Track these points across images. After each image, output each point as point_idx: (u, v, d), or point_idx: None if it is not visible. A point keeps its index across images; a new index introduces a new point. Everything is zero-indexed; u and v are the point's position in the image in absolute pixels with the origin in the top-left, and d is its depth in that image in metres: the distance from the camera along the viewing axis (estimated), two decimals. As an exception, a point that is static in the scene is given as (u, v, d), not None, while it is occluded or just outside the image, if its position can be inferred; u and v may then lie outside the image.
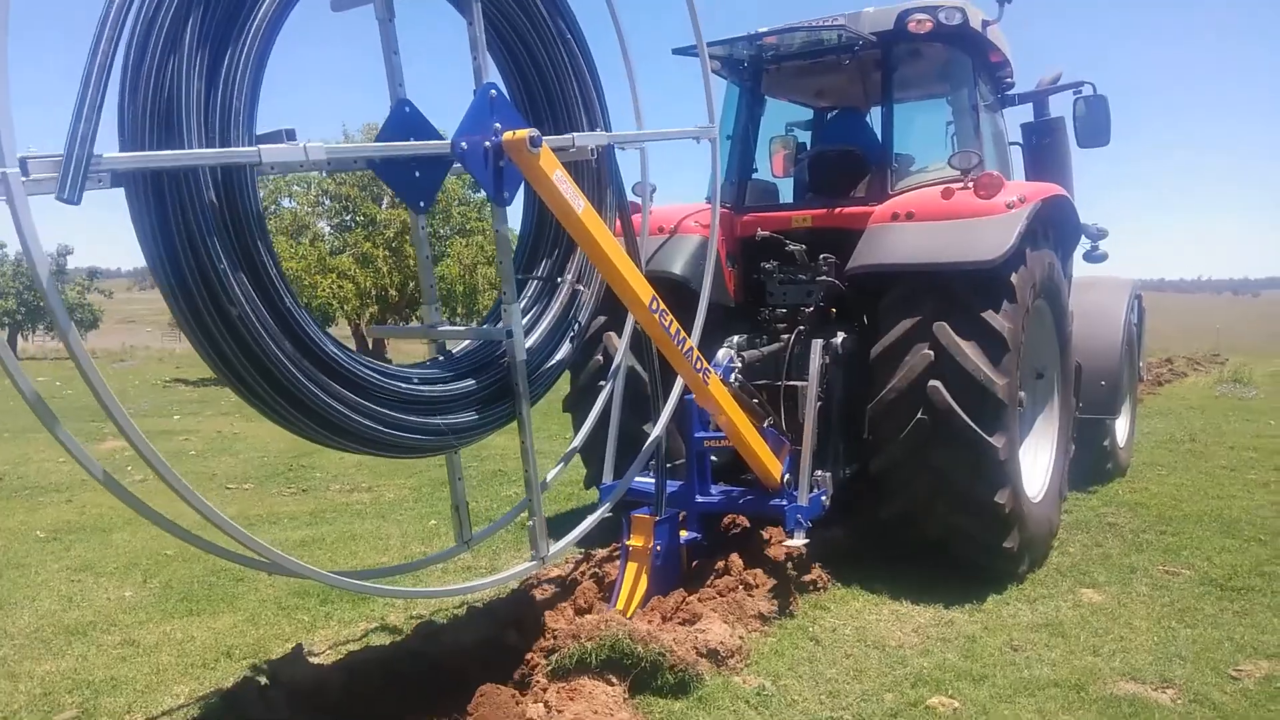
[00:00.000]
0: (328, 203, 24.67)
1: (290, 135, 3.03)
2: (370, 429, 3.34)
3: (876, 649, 4.71)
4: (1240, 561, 6.00)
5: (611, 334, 6.21)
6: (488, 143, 3.58)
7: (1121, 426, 8.89)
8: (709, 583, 5.17)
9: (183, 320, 2.91)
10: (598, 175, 4.42)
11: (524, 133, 3.49)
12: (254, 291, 2.95)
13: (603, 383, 5.48)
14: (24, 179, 2.36)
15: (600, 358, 6.40)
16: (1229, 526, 6.88)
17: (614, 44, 4.80)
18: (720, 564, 5.35)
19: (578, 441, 5.13)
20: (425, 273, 4.16)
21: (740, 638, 4.59)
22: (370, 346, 23.32)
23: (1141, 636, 4.82)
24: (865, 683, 4.31)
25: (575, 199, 3.79)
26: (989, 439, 5.21)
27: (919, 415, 5.32)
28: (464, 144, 3.51)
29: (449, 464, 4.19)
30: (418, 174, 3.57)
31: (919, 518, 5.60)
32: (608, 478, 5.59)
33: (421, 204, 3.76)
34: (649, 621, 4.50)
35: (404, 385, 3.56)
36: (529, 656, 4.13)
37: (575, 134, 4.17)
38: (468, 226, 25.25)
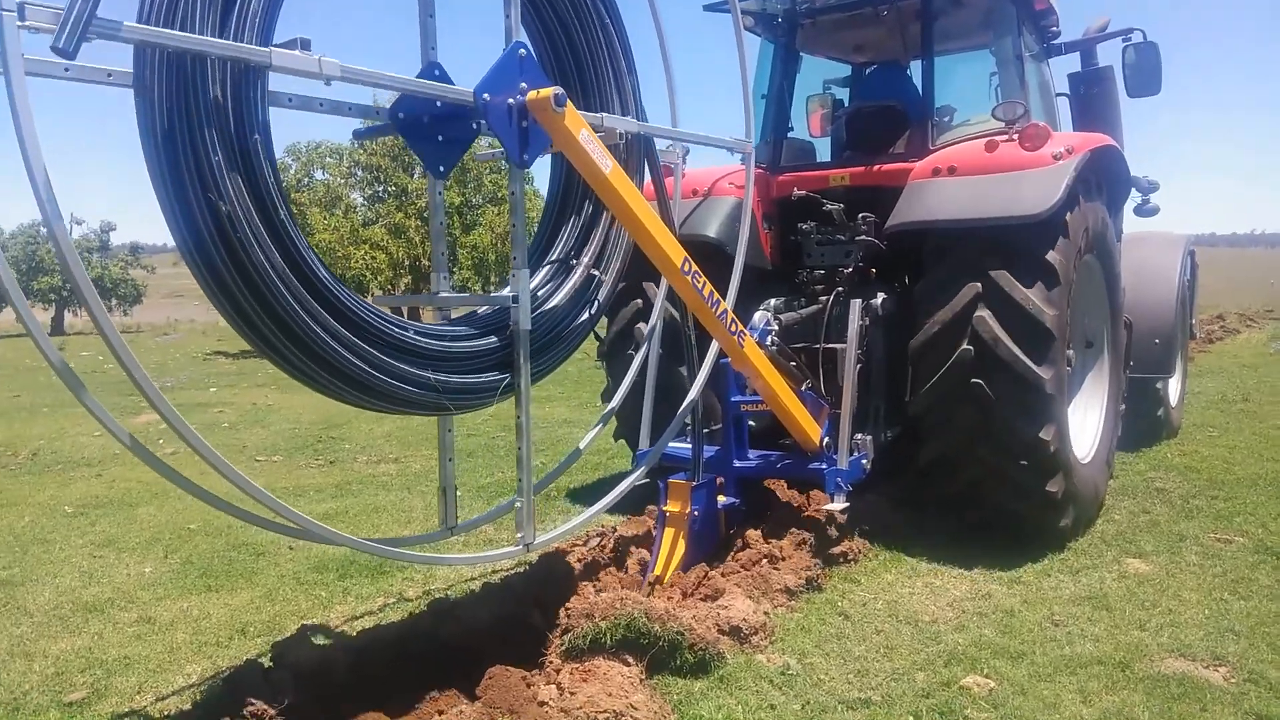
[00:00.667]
0: (360, 174, 24.58)
1: (305, 45, 2.90)
2: (354, 366, 3.16)
3: (909, 624, 4.50)
4: (1298, 528, 5.70)
5: (642, 325, 6.08)
6: (512, 100, 3.49)
7: (1174, 386, 8.64)
8: (732, 555, 4.98)
9: (169, 211, 2.78)
10: (624, 164, 4.18)
11: (548, 91, 3.40)
12: (246, 192, 2.82)
13: (641, 324, 5.47)
14: (19, 23, 2.28)
15: (640, 301, 6.29)
16: (1285, 491, 6.56)
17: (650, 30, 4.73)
18: (741, 538, 5.17)
19: (615, 402, 5.07)
20: (438, 240, 4.05)
21: (765, 614, 4.40)
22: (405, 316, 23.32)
23: (1191, 610, 4.56)
24: (896, 660, 4.10)
25: (603, 159, 3.69)
26: (1036, 369, 5.05)
27: (964, 346, 5.18)
28: (487, 95, 3.40)
29: (440, 442, 4.05)
30: (440, 138, 3.49)
31: (958, 461, 5.42)
32: (644, 444, 5.55)
33: (441, 169, 3.66)
34: (669, 598, 4.34)
35: (398, 331, 3.39)
36: (545, 636, 3.98)
37: (605, 115, 4.02)
38: (499, 195, 25.05)
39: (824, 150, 7.44)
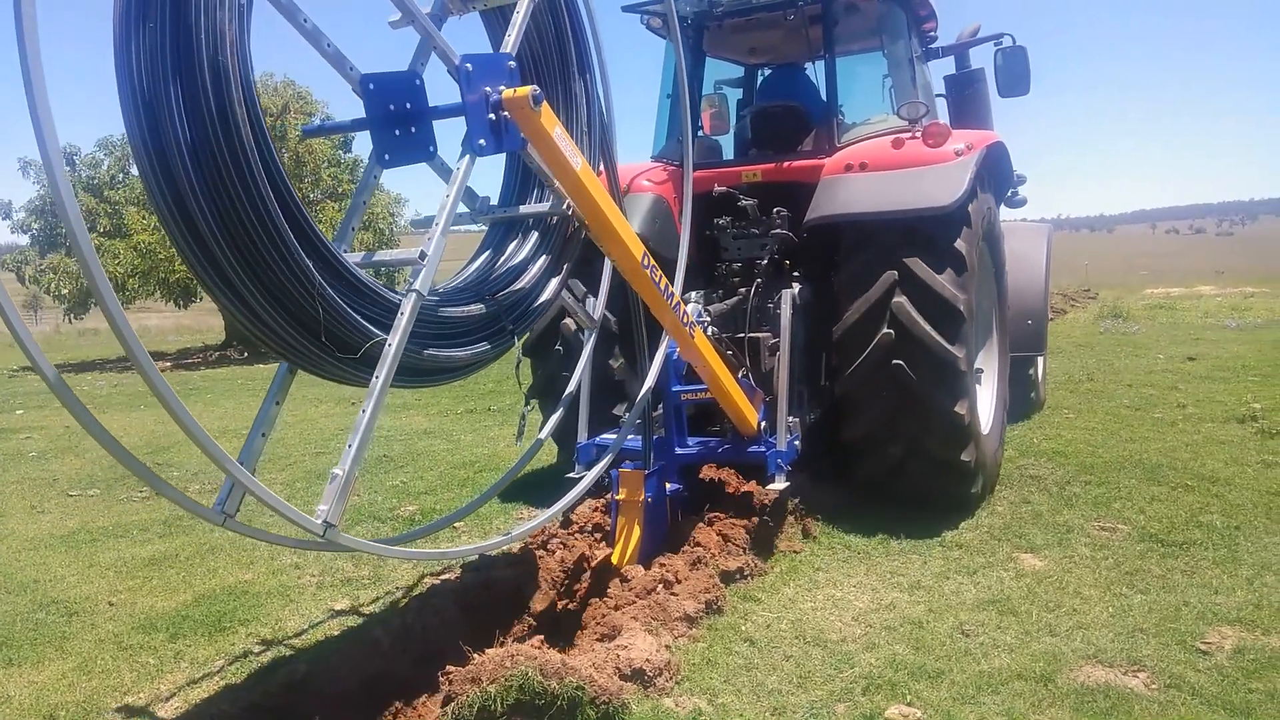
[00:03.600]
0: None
1: None
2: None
3: (818, 646, 4.20)
4: (1174, 512, 5.76)
5: (568, 321, 6.21)
6: (491, 115, 3.42)
7: (1040, 362, 9.25)
8: (625, 585, 4.55)
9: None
10: (570, 24, 4.20)
11: (525, 90, 3.41)
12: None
13: (566, 373, 5.42)
14: None
15: (560, 348, 6.42)
16: (1152, 472, 6.68)
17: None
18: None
19: (572, 387, 4.92)
20: (354, 213, 3.73)
21: (668, 648, 4.00)
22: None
23: (1095, 608, 4.45)
24: (812, 691, 3.78)
25: (573, 157, 3.73)
26: (951, 348, 5.41)
27: (884, 330, 5.51)
28: (482, 140, 3.38)
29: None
30: (397, 132, 3.34)
31: (882, 437, 5.74)
32: (582, 437, 5.66)
33: (387, 158, 3.41)
34: (560, 643, 3.86)
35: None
36: (419, 703, 3.44)
37: None
38: (339, 190, 23.78)
39: (727, 148, 7.66)
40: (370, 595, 5.12)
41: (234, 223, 2.62)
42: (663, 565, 4.72)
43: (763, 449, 5.55)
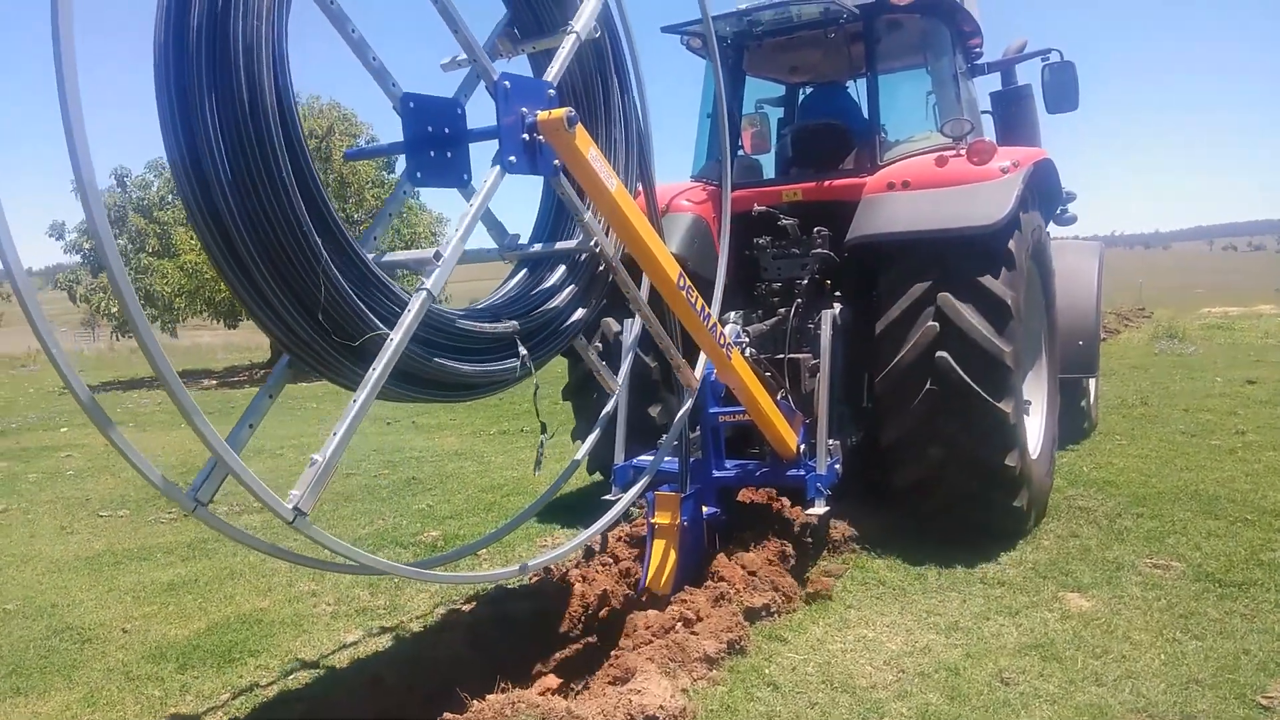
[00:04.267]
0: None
1: None
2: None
3: (846, 693, 3.95)
4: (1233, 549, 5.41)
5: (610, 319, 6.24)
6: (525, 135, 3.42)
7: (1092, 384, 9.04)
8: (644, 623, 4.35)
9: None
10: (612, 53, 4.19)
11: (560, 112, 3.39)
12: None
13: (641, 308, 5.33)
14: None
15: (599, 344, 6.32)
16: (1209, 505, 6.32)
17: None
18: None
19: (610, 407, 4.68)
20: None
21: (685, 692, 3.80)
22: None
23: (1146, 655, 4.15)
24: (837, 743, 3.55)
25: (609, 178, 3.70)
26: (998, 405, 5.25)
27: (929, 323, 5.37)
28: (512, 158, 3.37)
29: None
30: (432, 154, 3.30)
31: (933, 485, 5.58)
32: (619, 458, 5.53)
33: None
34: (567, 690, 3.67)
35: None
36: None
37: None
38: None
39: (767, 167, 7.64)
40: (384, 625, 4.98)
41: (245, 184, 2.60)
42: (684, 602, 4.52)
43: (802, 472, 5.43)
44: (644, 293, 4.74)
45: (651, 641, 4.14)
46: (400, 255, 3.64)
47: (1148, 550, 5.52)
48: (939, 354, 5.31)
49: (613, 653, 3.99)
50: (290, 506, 2.68)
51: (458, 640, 4.10)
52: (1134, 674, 3.98)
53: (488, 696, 3.32)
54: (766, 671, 4.15)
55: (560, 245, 4.04)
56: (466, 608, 4.92)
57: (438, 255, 3.14)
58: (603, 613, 4.74)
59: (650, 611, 4.41)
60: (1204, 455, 7.83)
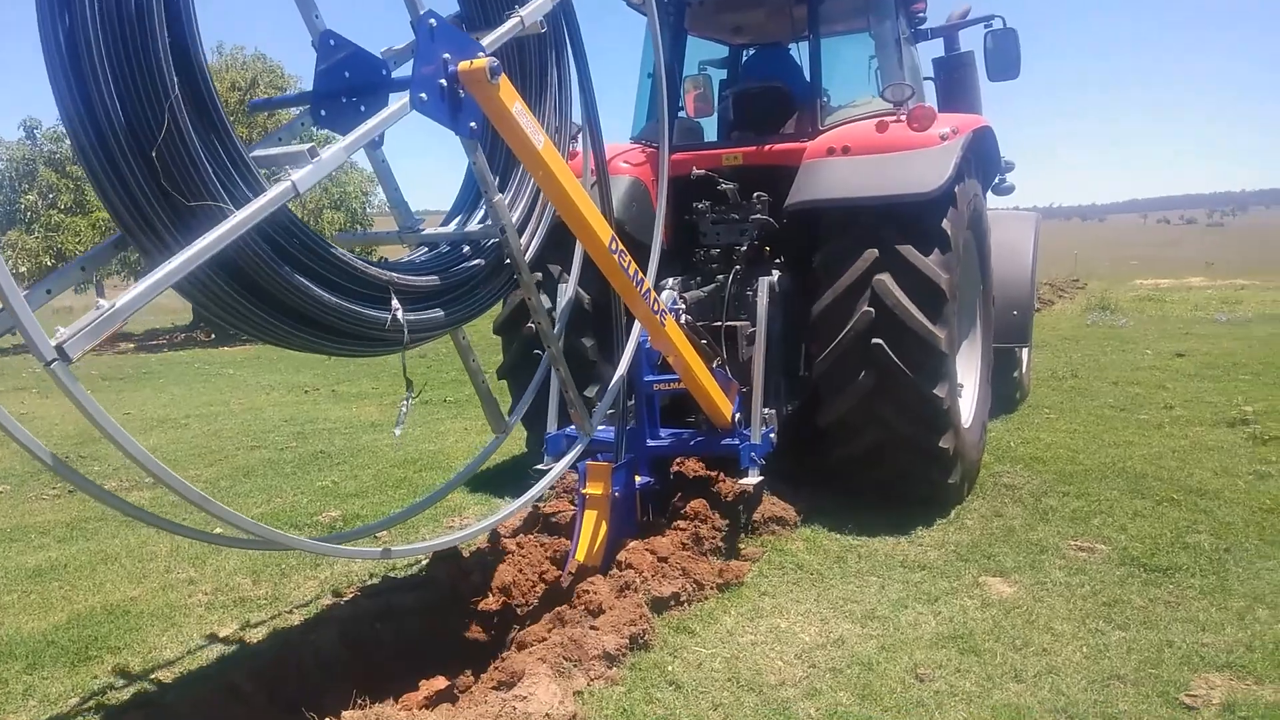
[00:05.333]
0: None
1: None
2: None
3: (752, 691, 3.68)
4: (1158, 531, 5.26)
5: (543, 296, 5.65)
6: (442, 80, 3.19)
7: (1025, 354, 9.07)
8: (539, 616, 4.03)
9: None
10: (555, 47, 4.09)
11: (482, 63, 3.17)
12: None
13: (537, 352, 5.41)
14: None
15: (533, 326, 5.78)
16: (1136, 483, 6.19)
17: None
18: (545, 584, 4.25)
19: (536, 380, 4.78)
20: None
21: (578, 696, 3.49)
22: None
23: (1068, 647, 3.94)
24: (737, 751, 3.27)
25: (535, 134, 3.53)
26: (932, 328, 5.24)
27: (864, 308, 5.34)
28: (423, 95, 3.10)
29: None
30: (363, 109, 3.09)
31: (870, 463, 5.62)
32: (551, 427, 5.45)
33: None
34: (452, 695, 3.34)
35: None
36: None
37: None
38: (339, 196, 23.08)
39: (709, 130, 7.44)
40: (261, 618, 4.58)
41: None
42: (585, 593, 4.20)
43: (737, 442, 5.39)
44: (577, 258, 4.79)
45: (546, 639, 3.83)
46: (273, 149, 3.14)
47: (1072, 532, 5.35)
48: (874, 340, 5.29)
49: (501, 653, 3.66)
50: (52, 344, 2.20)
51: (331, 638, 3.73)
52: (1054, 669, 3.76)
53: (344, 713, 2.97)
54: (670, 669, 3.86)
55: (470, 229, 3.81)
56: (349, 597, 4.55)
57: (313, 152, 2.79)
58: (501, 604, 4.41)
59: (551, 601, 4.09)
60: (1132, 431, 7.74)
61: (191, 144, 2.49)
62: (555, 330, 4.57)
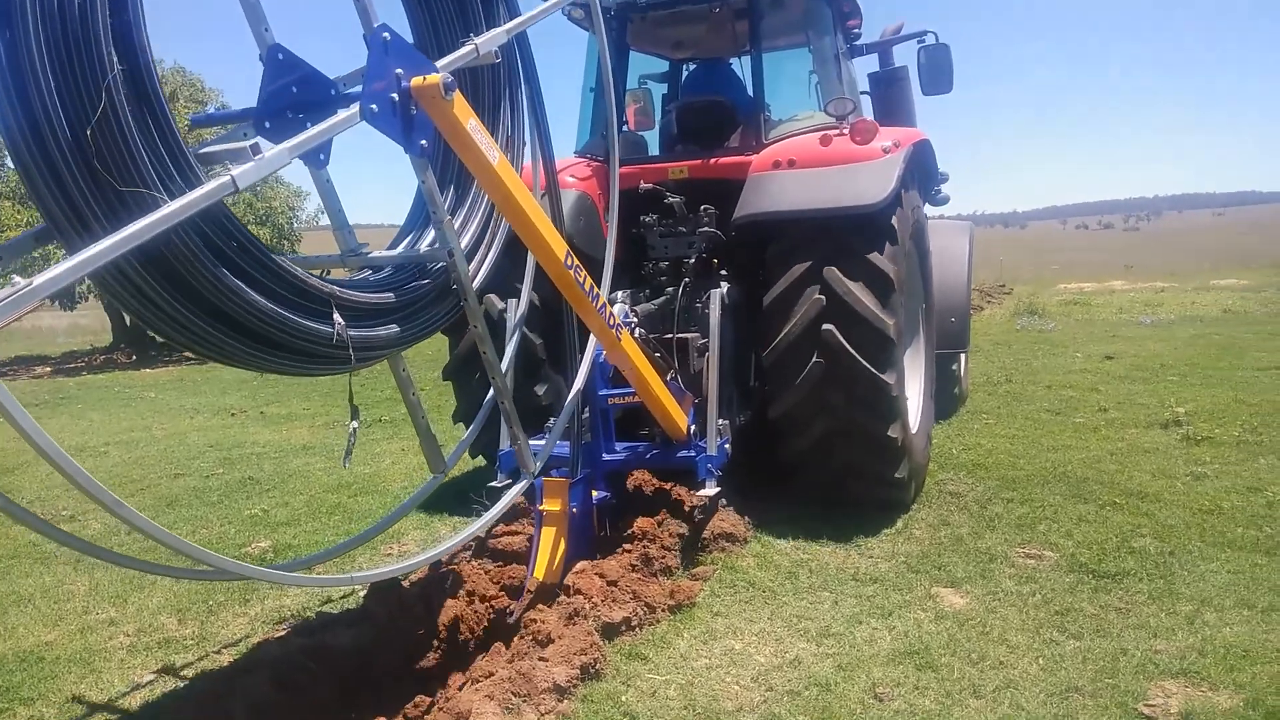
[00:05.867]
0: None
1: None
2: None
3: (708, 719, 3.57)
4: (1104, 536, 5.29)
5: (492, 295, 5.91)
6: (394, 94, 3.14)
7: (963, 358, 9.34)
8: (492, 648, 3.85)
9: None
10: (508, 75, 4.11)
11: (435, 78, 3.14)
12: None
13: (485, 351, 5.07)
14: None
15: (477, 327, 5.64)
16: (1078, 487, 6.24)
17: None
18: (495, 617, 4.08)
19: (481, 415, 4.63)
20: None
21: (526, 734, 3.33)
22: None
23: (1024, 660, 3.90)
24: (697, 785, 3.14)
25: (489, 150, 3.49)
26: (881, 376, 5.31)
27: (814, 358, 5.38)
28: (373, 105, 3.04)
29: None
30: (309, 125, 2.90)
31: (819, 456, 5.64)
32: (505, 444, 5.26)
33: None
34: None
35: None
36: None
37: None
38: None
39: (652, 143, 7.50)
40: (188, 659, 4.32)
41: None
42: (533, 622, 4.04)
43: (692, 453, 5.43)
44: (529, 273, 4.76)
45: (492, 674, 3.65)
46: (214, 147, 2.96)
47: (1019, 539, 5.35)
48: (825, 326, 5.34)
49: (441, 692, 3.48)
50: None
51: (262, 682, 3.50)
52: (1012, 683, 3.72)
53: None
54: (623, 699, 3.72)
55: (418, 249, 3.72)
56: (280, 635, 4.32)
57: (255, 149, 2.61)
58: (446, 637, 4.20)
59: (497, 635, 3.92)
60: (1069, 434, 7.83)
61: (128, 127, 2.33)
62: (505, 359, 4.52)
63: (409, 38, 3.71)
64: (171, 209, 2.32)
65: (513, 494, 4.19)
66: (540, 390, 6.11)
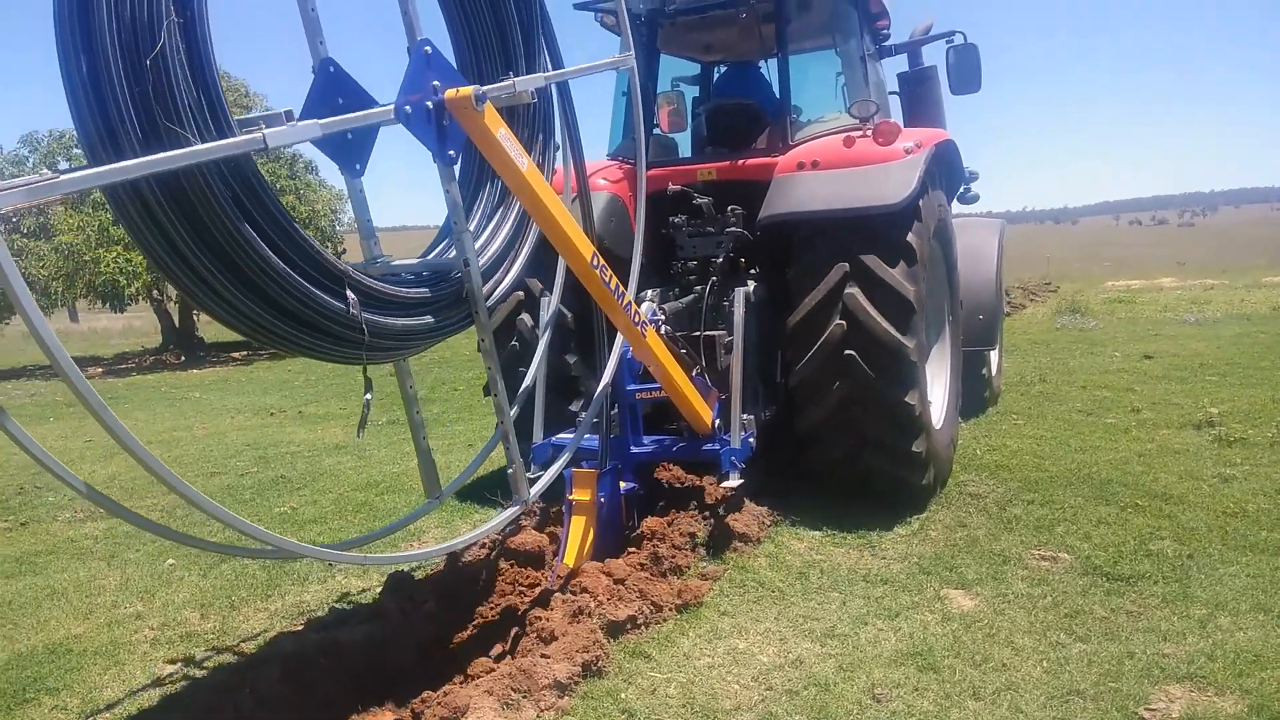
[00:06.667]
0: (112, 166, 21.78)
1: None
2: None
3: (706, 717, 3.60)
4: (1122, 539, 5.22)
5: (525, 316, 6.26)
6: (429, 102, 3.40)
7: (994, 356, 9.18)
8: (490, 642, 3.93)
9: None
10: (541, 118, 4.32)
11: (468, 90, 3.37)
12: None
13: (522, 368, 5.60)
14: None
15: (516, 344, 6.34)
16: (1101, 489, 6.15)
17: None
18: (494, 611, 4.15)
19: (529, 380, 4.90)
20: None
21: (523, 730, 3.39)
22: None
23: (1028, 662, 3.88)
24: (688, 782, 3.18)
25: (519, 157, 3.70)
26: (901, 338, 5.45)
27: (836, 321, 5.57)
28: (408, 107, 3.31)
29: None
30: (349, 136, 3.32)
31: (835, 427, 5.76)
32: (538, 437, 5.58)
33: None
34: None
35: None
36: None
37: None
38: (278, 185, 22.89)
39: (683, 145, 7.60)
40: (207, 653, 4.46)
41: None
42: (538, 618, 4.10)
43: (717, 447, 5.58)
44: (559, 274, 4.96)
45: (494, 669, 3.73)
46: (252, 115, 3.12)
47: (1036, 541, 5.31)
48: (846, 352, 5.50)
49: (445, 687, 3.56)
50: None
51: (273, 677, 3.60)
52: (1013, 685, 3.70)
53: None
54: (623, 696, 3.77)
55: (436, 258, 3.89)
56: (296, 629, 4.43)
57: (289, 115, 2.87)
58: (456, 633, 4.30)
59: (502, 631, 3.99)
60: (1099, 435, 7.72)
61: (178, 74, 2.51)
62: (537, 353, 4.92)
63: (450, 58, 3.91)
64: (200, 148, 2.50)
65: (504, 517, 4.18)
66: (571, 360, 6.29)
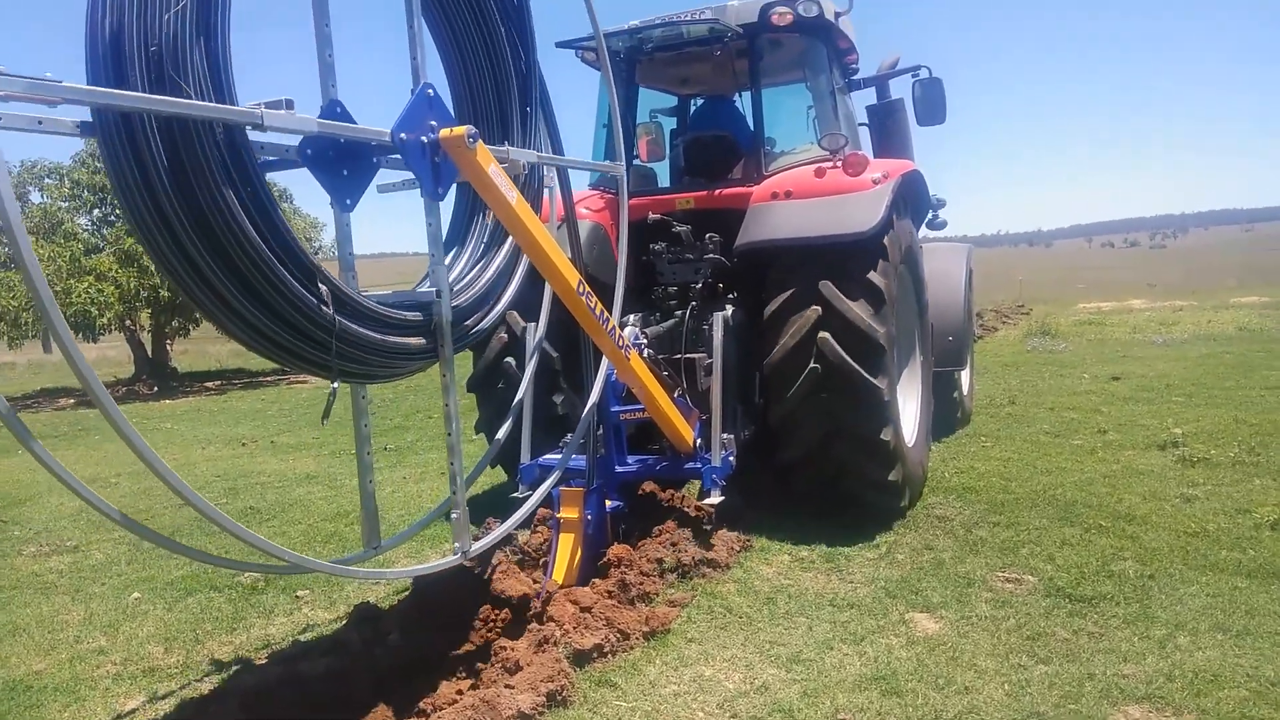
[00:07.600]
0: (85, 195, 21.66)
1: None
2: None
3: (670, 746, 3.60)
4: (1085, 560, 5.28)
5: (514, 312, 6.25)
6: (425, 138, 3.57)
7: (965, 377, 9.34)
8: (454, 673, 3.92)
9: None
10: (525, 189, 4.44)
11: (461, 130, 3.56)
12: None
13: (509, 359, 6.18)
14: None
15: (504, 335, 6.54)
16: (1066, 510, 6.22)
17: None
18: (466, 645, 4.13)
19: (502, 433, 4.97)
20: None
21: (485, 762, 3.38)
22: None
23: (990, 685, 3.91)
24: (650, 811, 3.18)
25: (509, 191, 3.89)
26: (874, 380, 5.66)
27: (811, 364, 5.74)
28: (403, 135, 3.47)
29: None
30: (345, 172, 3.45)
31: (815, 459, 5.98)
32: (525, 458, 5.77)
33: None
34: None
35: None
36: None
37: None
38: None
39: (662, 175, 7.93)
40: (170, 688, 4.41)
41: None
42: (502, 649, 4.10)
43: (699, 465, 5.82)
44: (546, 299, 5.17)
45: (457, 701, 3.71)
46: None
47: (1001, 563, 5.35)
48: (821, 334, 5.71)
49: (407, 719, 3.54)
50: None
51: (232, 710, 3.57)
52: (975, 708, 3.73)
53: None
54: (587, 726, 3.77)
55: (417, 290, 3.96)
56: (260, 663, 4.40)
57: (289, 103, 2.96)
58: (421, 665, 4.27)
59: (466, 664, 3.98)
60: (1065, 457, 7.81)
61: (190, 44, 2.68)
62: (526, 373, 5.17)
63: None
64: (196, 104, 2.62)
65: (484, 543, 4.19)
66: (558, 400, 6.49)
